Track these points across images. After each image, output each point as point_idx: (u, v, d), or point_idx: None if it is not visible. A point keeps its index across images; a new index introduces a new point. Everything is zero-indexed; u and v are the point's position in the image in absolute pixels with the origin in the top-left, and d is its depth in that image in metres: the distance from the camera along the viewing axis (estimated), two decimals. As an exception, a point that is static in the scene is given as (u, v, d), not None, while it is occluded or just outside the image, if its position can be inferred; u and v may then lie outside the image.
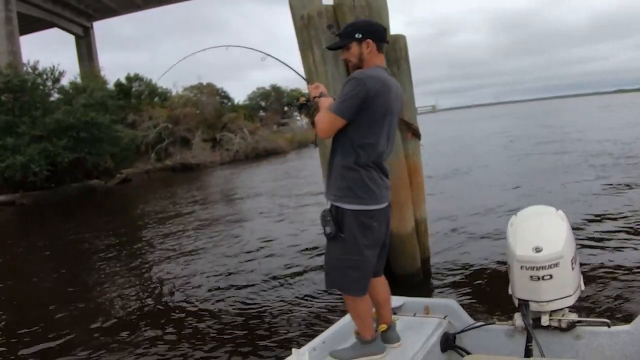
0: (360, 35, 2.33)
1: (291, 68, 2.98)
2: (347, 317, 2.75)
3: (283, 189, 15.30)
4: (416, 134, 5.54)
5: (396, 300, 2.76)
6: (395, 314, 2.67)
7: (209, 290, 6.07)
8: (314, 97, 2.47)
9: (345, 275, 2.34)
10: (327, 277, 2.44)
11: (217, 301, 5.65)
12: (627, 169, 11.46)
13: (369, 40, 2.33)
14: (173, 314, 5.39)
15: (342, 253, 2.32)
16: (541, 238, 2.36)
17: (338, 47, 2.45)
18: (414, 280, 5.32)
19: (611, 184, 9.70)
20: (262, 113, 46.81)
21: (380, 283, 2.54)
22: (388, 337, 2.51)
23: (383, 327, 2.51)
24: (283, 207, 11.82)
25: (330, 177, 2.39)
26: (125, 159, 25.83)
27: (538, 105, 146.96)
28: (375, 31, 2.37)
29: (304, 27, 5.23)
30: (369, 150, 2.28)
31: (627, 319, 2.54)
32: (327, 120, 2.28)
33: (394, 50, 5.48)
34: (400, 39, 5.56)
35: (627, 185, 9.44)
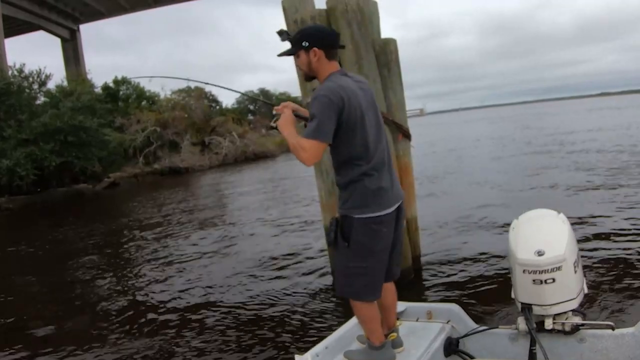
0: (307, 44, 2.30)
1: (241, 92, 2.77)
2: (350, 323, 2.74)
3: (273, 192, 15.25)
4: (407, 135, 5.68)
5: (399, 305, 2.76)
6: (397, 319, 2.67)
7: (204, 296, 6.00)
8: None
9: (354, 283, 2.36)
10: (337, 284, 2.46)
11: (214, 307, 5.57)
12: (623, 169, 11.59)
13: (315, 49, 2.29)
14: (168, 320, 5.32)
15: (349, 260, 2.34)
16: (543, 241, 2.38)
17: (288, 54, 2.41)
18: (406, 279, 5.35)
19: (610, 185, 9.78)
20: (250, 117, 46.68)
21: (387, 288, 2.54)
22: (392, 342, 2.51)
23: (393, 335, 2.52)
24: (274, 211, 11.77)
25: (338, 191, 2.41)
26: (113, 163, 25.60)
27: (523, 108, 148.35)
28: (322, 39, 2.33)
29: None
30: (362, 159, 2.28)
31: (632, 321, 2.55)
32: (306, 147, 2.14)
33: (384, 53, 5.57)
34: (390, 43, 5.65)
35: (626, 186, 9.52)
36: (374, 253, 2.31)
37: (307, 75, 2.38)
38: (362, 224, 2.28)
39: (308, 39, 2.30)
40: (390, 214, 2.33)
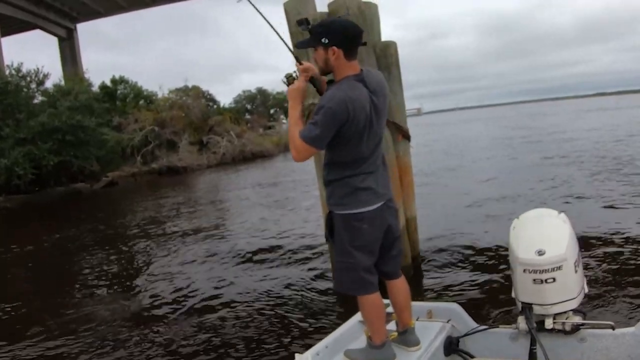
0: (327, 41, 2.21)
1: (270, 25, 2.62)
2: (350, 322, 2.76)
3: (272, 192, 15.25)
4: (406, 136, 5.77)
5: None
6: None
7: (204, 295, 6.00)
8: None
9: (343, 277, 2.43)
10: (334, 279, 2.52)
11: (214, 306, 5.58)
12: (623, 169, 11.64)
13: (334, 48, 2.21)
14: (167, 319, 5.32)
15: (338, 255, 2.44)
16: (544, 241, 2.39)
17: (306, 46, 2.35)
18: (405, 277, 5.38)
19: (610, 184, 9.82)
20: (248, 116, 46.64)
21: (397, 286, 2.56)
22: (407, 340, 2.53)
23: (393, 335, 2.53)
24: (273, 210, 11.77)
25: (324, 187, 2.48)
26: (111, 162, 25.57)
27: (520, 108, 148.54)
28: (344, 38, 2.23)
29: (300, 33, 5.25)
30: (352, 164, 2.31)
31: (632, 321, 2.56)
32: (299, 147, 2.22)
33: (384, 56, 5.61)
34: (390, 46, 5.68)
35: (626, 185, 9.56)
36: (357, 249, 2.34)
37: (323, 71, 2.33)
38: (343, 219, 2.35)
39: (328, 36, 2.21)
40: (372, 211, 2.34)
